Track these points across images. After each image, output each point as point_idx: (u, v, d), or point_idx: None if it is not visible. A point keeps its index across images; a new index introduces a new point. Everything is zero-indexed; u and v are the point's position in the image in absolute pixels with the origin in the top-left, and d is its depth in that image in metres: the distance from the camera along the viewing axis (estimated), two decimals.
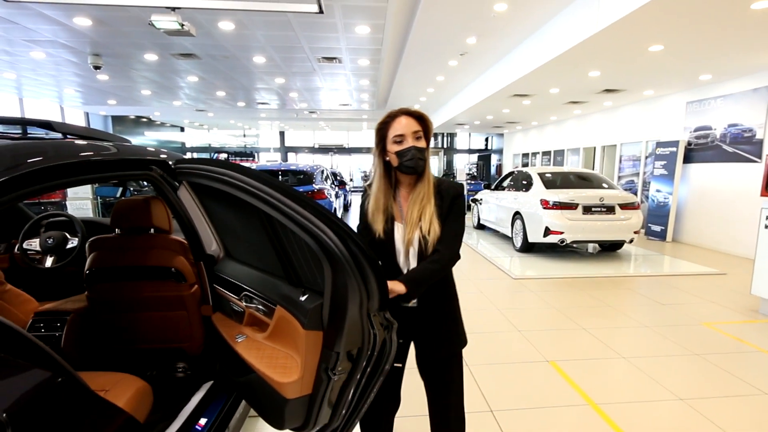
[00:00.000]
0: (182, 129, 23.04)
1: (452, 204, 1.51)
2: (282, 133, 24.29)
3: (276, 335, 1.40)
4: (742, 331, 3.71)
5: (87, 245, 1.86)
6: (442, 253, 1.45)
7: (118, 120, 17.31)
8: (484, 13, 5.56)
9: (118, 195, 5.58)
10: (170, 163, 1.63)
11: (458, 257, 1.51)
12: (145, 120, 18.80)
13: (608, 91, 8.42)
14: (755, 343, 3.44)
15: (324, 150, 24.88)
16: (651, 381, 2.83)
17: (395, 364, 1.56)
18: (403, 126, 1.46)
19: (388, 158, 1.50)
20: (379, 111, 15.47)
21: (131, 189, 4.60)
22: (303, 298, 1.27)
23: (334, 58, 8.50)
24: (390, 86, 11.16)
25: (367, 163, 25.24)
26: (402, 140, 1.46)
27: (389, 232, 1.50)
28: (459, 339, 1.59)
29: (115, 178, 1.43)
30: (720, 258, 6.65)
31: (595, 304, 4.47)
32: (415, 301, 1.51)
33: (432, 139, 1.58)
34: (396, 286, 1.35)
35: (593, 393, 2.66)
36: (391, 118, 1.49)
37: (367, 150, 24.00)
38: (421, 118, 1.49)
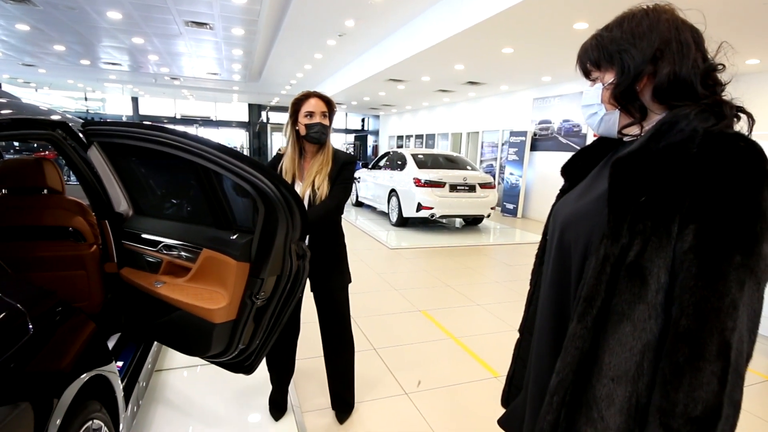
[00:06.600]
0: None
1: (342, 168, 1.88)
2: (135, 100, 21.28)
3: (200, 276, 1.58)
4: None
5: None
6: (326, 201, 1.81)
7: None
8: None
9: None
10: (70, 124, 1.66)
11: (341, 208, 1.87)
12: None
13: (471, 83, 9.48)
14: None
15: (188, 121, 22.64)
16: (497, 319, 3.59)
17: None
18: (314, 105, 1.84)
19: (297, 128, 1.87)
20: (251, 83, 14.74)
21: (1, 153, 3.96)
22: (234, 237, 1.50)
23: (205, 24, 7.95)
24: (265, 59, 10.78)
25: (238, 138, 23.83)
26: (312, 115, 1.84)
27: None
28: (344, 276, 1.99)
29: (14, 138, 1.41)
30: None
31: (459, 267, 5.27)
32: (306, 243, 1.86)
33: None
34: None
35: (454, 330, 3.32)
36: (305, 96, 1.86)
37: (238, 124, 22.78)
38: (329, 102, 1.88)
